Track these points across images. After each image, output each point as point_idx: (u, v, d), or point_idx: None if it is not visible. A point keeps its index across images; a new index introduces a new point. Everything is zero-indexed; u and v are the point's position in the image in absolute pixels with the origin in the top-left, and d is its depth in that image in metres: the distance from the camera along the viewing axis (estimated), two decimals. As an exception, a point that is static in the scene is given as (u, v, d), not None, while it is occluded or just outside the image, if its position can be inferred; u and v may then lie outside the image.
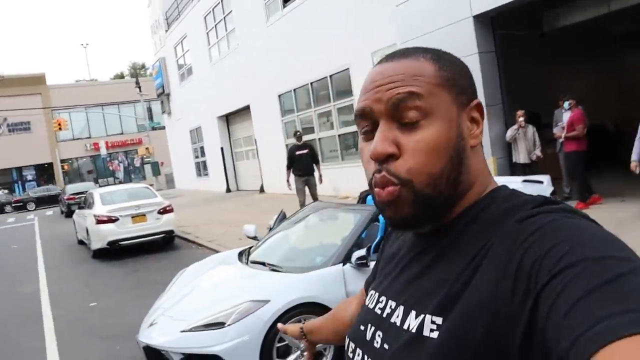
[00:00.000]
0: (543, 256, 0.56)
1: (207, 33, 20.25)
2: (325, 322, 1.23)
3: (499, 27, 9.32)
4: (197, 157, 24.21)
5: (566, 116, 8.27)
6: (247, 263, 4.36)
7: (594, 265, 0.52)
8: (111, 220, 9.18)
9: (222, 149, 20.49)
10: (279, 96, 15.84)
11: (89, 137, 39.73)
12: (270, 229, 5.35)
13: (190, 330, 3.45)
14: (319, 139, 14.42)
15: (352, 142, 13.54)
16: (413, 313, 0.70)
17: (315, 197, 9.45)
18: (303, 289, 3.50)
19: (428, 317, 0.67)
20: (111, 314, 5.96)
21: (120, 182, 27.50)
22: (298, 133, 9.91)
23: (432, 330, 0.65)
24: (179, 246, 10.16)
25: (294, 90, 15.02)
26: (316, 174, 10.27)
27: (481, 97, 8.97)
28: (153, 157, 27.06)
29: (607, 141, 11.34)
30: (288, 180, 9.72)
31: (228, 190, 20.26)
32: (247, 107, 17.81)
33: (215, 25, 19.52)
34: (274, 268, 4.02)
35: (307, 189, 9.99)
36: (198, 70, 21.73)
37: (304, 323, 1.26)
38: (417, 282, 0.73)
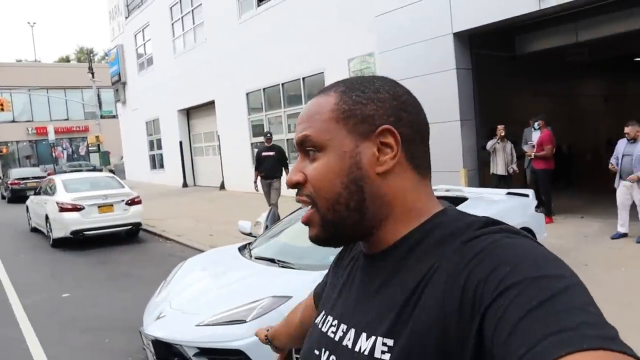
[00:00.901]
0: (485, 279, 0.59)
1: (173, 24, 19.81)
2: (281, 326, 1.30)
3: (476, 46, 9.71)
4: (152, 149, 23.56)
5: (535, 135, 8.75)
6: (251, 259, 4.35)
7: (532, 285, 0.55)
8: (76, 208, 8.82)
9: (180, 143, 20.07)
10: (247, 94, 15.73)
11: (31, 121, 37.75)
12: (267, 227, 5.35)
13: (207, 324, 3.41)
14: (287, 139, 14.43)
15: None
16: (364, 335, 0.72)
17: (272, 204, 9.16)
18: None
19: (379, 339, 0.69)
20: (87, 306, 5.75)
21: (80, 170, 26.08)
22: (268, 135, 9.63)
23: (383, 352, 0.68)
24: (145, 239, 9.90)
25: (264, 89, 14.97)
26: (284, 177, 10.05)
27: (456, 111, 9.34)
28: (102, 147, 26.07)
29: (562, 162, 12.03)
30: (255, 182, 9.45)
31: (185, 185, 19.86)
32: (212, 103, 17.55)
33: (182, 17, 19.13)
34: (285, 265, 4.03)
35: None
36: (160, 61, 21.18)
37: (267, 330, 1.34)
38: (367, 305, 0.76)
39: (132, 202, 9.33)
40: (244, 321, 3.33)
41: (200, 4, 17.53)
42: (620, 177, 6.82)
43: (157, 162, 23.28)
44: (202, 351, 3.33)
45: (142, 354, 4.15)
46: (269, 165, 9.20)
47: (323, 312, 0.88)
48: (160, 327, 3.59)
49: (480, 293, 0.58)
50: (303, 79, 13.39)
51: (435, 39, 9.61)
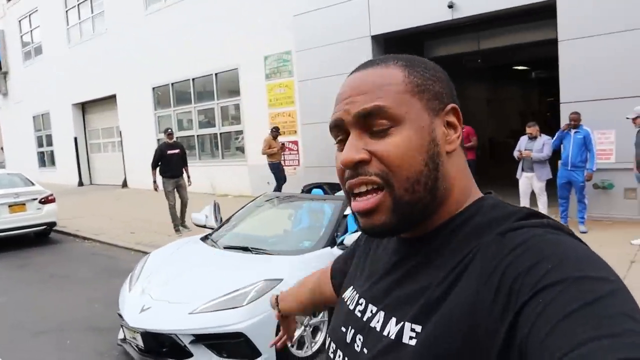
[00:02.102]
0: (525, 273, 0.57)
1: (67, 12, 18.47)
2: (293, 290, 1.31)
3: (389, 49, 10.40)
4: (41, 146, 21.72)
5: None
6: (221, 249, 4.45)
7: (574, 285, 0.53)
8: (-17, 209, 8.08)
9: (75, 139, 18.79)
10: (154, 89, 15.22)
11: None
12: (221, 220, 5.43)
13: (201, 311, 3.50)
14: (198, 135, 14.23)
15: (233, 140, 13.67)
16: (393, 320, 0.70)
17: (185, 200, 8.91)
18: (311, 267, 3.78)
19: (407, 324, 0.68)
20: (29, 309, 5.39)
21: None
22: (169, 130, 9.08)
23: (411, 338, 0.66)
24: (58, 240, 9.30)
25: (172, 84, 14.59)
26: (185, 176, 9.38)
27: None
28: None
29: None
30: (155, 181, 8.87)
31: (80, 183, 18.65)
32: (112, 97, 16.69)
33: (78, 5, 17.94)
34: (261, 252, 4.20)
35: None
36: (50, 51, 19.61)
37: (277, 295, 1.35)
38: (398, 288, 0.74)
39: (46, 201, 8.73)
40: (240, 305, 3.47)
41: (100, -8, 16.61)
42: (522, 169, 7.79)
43: (47, 160, 21.53)
44: (198, 338, 3.42)
45: (116, 350, 4.10)
46: (174, 163, 8.72)
47: (351, 289, 0.87)
48: (149, 319, 3.59)
49: (518, 287, 0.56)
50: (216, 74, 13.29)
51: (354, 40, 10.15)
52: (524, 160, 7.73)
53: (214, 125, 13.69)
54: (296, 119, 11.54)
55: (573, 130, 6.99)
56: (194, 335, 3.43)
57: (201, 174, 13.82)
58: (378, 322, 0.73)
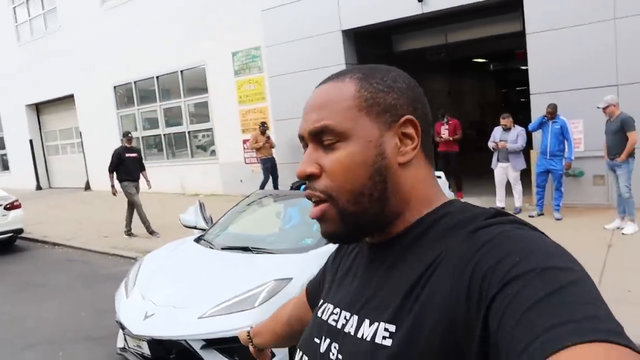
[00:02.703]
0: (494, 267, 0.58)
1: (14, 8, 17.64)
2: (267, 323, 1.27)
3: (358, 43, 10.44)
4: (-8, 149, 20.72)
5: (443, 128, 9.54)
6: (219, 249, 4.36)
7: (540, 276, 0.55)
8: (-56, 217, 7.63)
9: (31, 141, 18.00)
10: (115, 87, 14.75)
11: None
12: (211, 220, 5.32)
13: (211, 315, 3.42)
14: (165, 134, 13.90)
15: (202, 139, 13.43)
16: (367, 321, 0.71)
17: (140, 204, 8.75)
18: (317, 265, 3.74)
19: (382, 324, 0.68)
20: (11, 322, 5.13)
21: None
22: (130, 135, 8.90)
23: (384, 338, 0.67)
24: (25, 247, 8.91)
25: (135, 82, 14.18)
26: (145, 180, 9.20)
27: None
28: None
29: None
30: (114, 186, 8.66)
31: (39, 187, 17.91)
32: (70, 97, 16.07)
33: (27, 1, 17.14)
34: (262, 251, 4.13)
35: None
36: (-1, 50, 18.72)
37: (249, 331, 1.30)
38: (370, 292, 0.75)
39: (11, 207, 8.33)
40: (252, 307, 3.41)
41: (52, -13, 15.92)
42: (498, 160, 7.99)
43: None
44: (209, 342, 3.34)
45: (115, 359, 3.96)
46: (133, 166, 8.64)
47: (322, 302, 0.87)
48: (155, 326, 3.48)
49: (488, 281, 0.58)
50: (181, 72, 13.00)
51: (324, 35, 10.13)
52: (499, 151, 7.93)
53: (181, 124, 13.39)
54: (268, 115, 11.43)
55: (551, 121, 7.21)
56: (204, 340, 3.35)
57: (170, 174, 13.56)
58: (352, 326, 0.74)
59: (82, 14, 14.93)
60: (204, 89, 12.60)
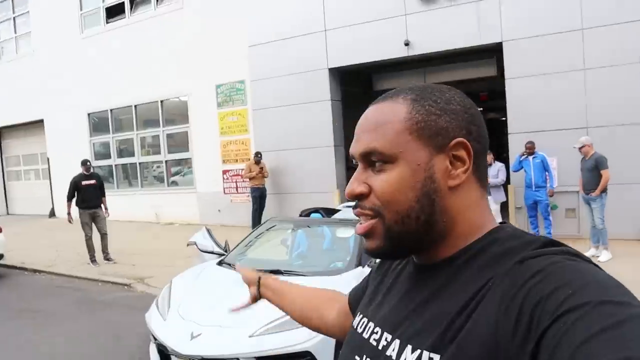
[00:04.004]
0: (545, 299, 0.57)
1: (-18, 30, 17.26)
2: (286, 288, 1.30)
3: (344, 81, 10.95)
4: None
5: None
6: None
7: (595, 310, 0.53)
8: None
9: (-10, 166, 17.37)
10: (90, 114, 14.59)
11: None
12: (226, 246, 5.46)
13: (262, 334, 3.56)
14: (140, 163, 13.80)
15: (178, 168, 13.43)
16: (409, 347, 0.70)
17: (103, 232, 8.83)
18: (352, 286, 3.97)
19: (425, 353, 0.67)
20: (21, 350, 5.02)
21: None
22: (88, 163, 9.11)
23: None
24: (4, 273, 8.58)
25: (111, 110, 14.09)
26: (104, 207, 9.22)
27: (330, 138, 10.35)
28: None
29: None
30: (69, 213, 8.82)
31: (-4, 214, 17.20)
32: (39, 122, 15.71)
33: (-2, 23, 16.85)
34: (295, 274, 4.32)
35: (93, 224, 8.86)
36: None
37: (261, 276, 1.34)
38: (414, 315, 0.74)
39: (-7, 231, 8.11)
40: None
41: (28, 11, 15.71)
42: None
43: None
44: (260, 360, 3.49)
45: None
46: (90, 194, 8.76)
47: (362, 316, 0.87)
48: (205, 345, 3.57)
49: (539, 314, 0.56)
50: (161, 102, 13.08)
51: (311, 72, 10.57)
52: (481, 185, 8.48)
53: (159, 153, 13.37)
54: (250, 147, 11.65)
55: (531, 157, 7.84)
56: (256, 357, 3.49)
57: (144, 203, 13.43)
58: (393, 350, 0.73)
59: (59, 41, 14.80)
60: (185, 119, 12.70)
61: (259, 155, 10.65)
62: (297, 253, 5.03)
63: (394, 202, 0.73)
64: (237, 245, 5.27)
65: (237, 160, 11.87)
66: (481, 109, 9.20)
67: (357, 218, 0.80)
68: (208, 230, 6.00)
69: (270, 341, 3.52)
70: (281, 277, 4.06)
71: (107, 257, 8.78)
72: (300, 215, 6.21)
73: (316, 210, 6.10)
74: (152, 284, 7.31)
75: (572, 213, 8.48)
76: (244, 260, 4.85)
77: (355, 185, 0.76)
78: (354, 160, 0.80)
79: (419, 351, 0.68)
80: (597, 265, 0.63)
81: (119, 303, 6.57)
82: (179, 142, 13.09)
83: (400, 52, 9.61)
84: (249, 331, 3.60)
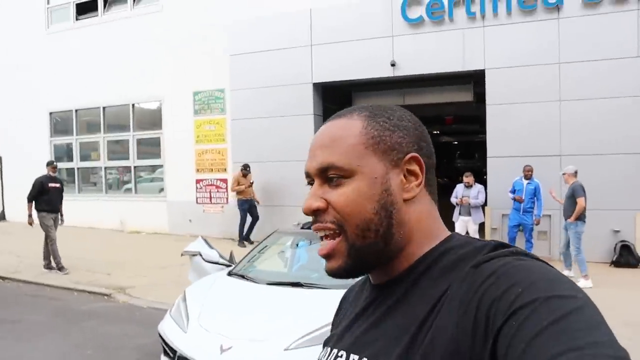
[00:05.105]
0: (498, 299, 0.60)
1: None
2: None
3: (325, 95, 11.10)
4: None
5: None
6: (264, 284, 4.50)
7: (544, 305, 0.56)
8: None
9: None
10: (51, 114, 13.94)
11: None
12: (231, 258, 5.42)
13: (297, 347, 3.55)
14: (106, 167, 13.32)
15: (147, 174, 13.08)
16: None
17: (55, 238, 8.38)
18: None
19: None
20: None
21: None
22: (54, 164, 8.73)
23: None
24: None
25: (76, 110, 13.54)
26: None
27: (311, 152, 10.40)
28: None
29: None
30: (31, 215, 8.38)
31: None
32: (-9, 119, 14.84)
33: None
34: (315, 286, 4.33)
35: None
36: None
37: None
38: (376, 333, 0.75)
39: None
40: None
41: (-14, 4, 14.89)
42: (460, 214, 8.86)
43: None
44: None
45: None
46: (55, 197, 8.43)
47: (325, 347, 0.85)
48: (237, 359, 3.55)
49: (493, 313, 0.59)
50: (133, 105, 12.72)
51: (295, 85, 10.65)
52: (462, 206, 8.81)
53: (127, 158, 12.96)
54: (227, 156, 11.53)
55: (525, 181, 8.23)
56: (291, 371, 3.50)
57: (108, 209, 12.97)
58: None
59: (20, 36, 14.09)
60: (158, 125, 12.41)
61: (247, 169, 10.50)
62: (312, 265, 5.04)
63: (354, 215, 0.74)
64: (245, 257, 5.23)
65: (212, 170, 11.70)
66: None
67: None
68: (206, 241, 5.93)
69: (305, 355, 3.50)
70: (306, 289, 4.09)
71: (49, 266, 8.40)
72: (302, 227, 6.23)
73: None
74: (134, 294, 7.09)
75: (544, 235, 8.96)
76: (255, 272, 4.84)
77: (312, 200, 0.77)
78: (307, 180, 0.80)
79: None
80: (545, 262, 0.66)
81: (103, 313, 6.35)
82: (151, 148, 12.76)
83: (386, 72, 9.88)
84: (284, 344, 3.58)
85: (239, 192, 10.43)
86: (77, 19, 13.45)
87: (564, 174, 7.54)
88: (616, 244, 8.36)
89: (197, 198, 11.93)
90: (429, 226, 0.78)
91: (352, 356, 0.75)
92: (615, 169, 8.33)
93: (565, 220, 7.47)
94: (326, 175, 0.76)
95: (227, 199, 11.58)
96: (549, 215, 8.73)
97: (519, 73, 8.90)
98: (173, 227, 12.16)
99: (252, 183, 10.53)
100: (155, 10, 12.24)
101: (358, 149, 0.75)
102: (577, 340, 0.52)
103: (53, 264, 8.34)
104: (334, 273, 0.77)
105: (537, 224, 8.31)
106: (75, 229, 11.99)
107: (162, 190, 12.53)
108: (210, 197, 11.77)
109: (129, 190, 13.04)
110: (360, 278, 0.87)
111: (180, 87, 11.85)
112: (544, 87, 8.77)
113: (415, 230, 0.76)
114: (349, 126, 0.77)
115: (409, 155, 0.76)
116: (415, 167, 0.77)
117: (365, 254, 0.75)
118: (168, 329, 4.14)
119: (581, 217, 7.26)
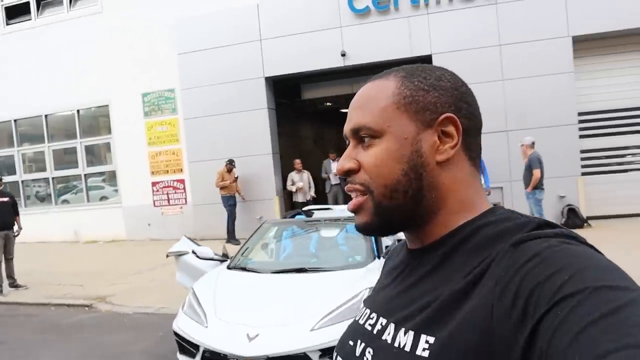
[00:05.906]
0: (542, 284, 0.56)
1: None
2: None
3: (276, 90, 11.23)
4: None
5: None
6: (268, 273, 4.66)
7: (594, 295, 0.52)
8: None
9: None
10: (-12, 125, 13.24)
11: None
12: (224, 255, 5.51)
13: (322, 327, 3.74)
14: (53, 178, 12.83)
15: (100, 182, 12.72)
16: (403, 330, 0.70)
17: (10, 255, 8.05)
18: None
19: (419, 335, 0.67)
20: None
21: None
22: (1, 178, 8.35)
23: (424, 349, 0.65)
24: None
25: (16, 120, 12.92)
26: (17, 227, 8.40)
27: (268, 146, 10.57)
28: None
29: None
30: None
31: None
32: None
33: None
34: (320, 270, 4.53)
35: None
36: None
37: None
38: (407, 298, 0.73)
39: None
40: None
41: None
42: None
43: None
44: (324, 351, 3.69)
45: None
46: (4, 212, 7.95)
47: (364, 308, 0.86)
48: (268, 344, 3.65)
49: (535, 299, 0.55)
50: (78, 111, 12.31)
51: (247, 80, 10.71)
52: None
53: (76, 166, 12.53)
54: (182, 157, 11.43)
55: None
56: (320, 350, 3.69)
57: (60, 221, 12.53)
58: (389, 334, 0.72)
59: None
60: (106, 130, 12.09)
61: (232, 163, 10.30)
62: (309, 251, 5.23)
63: (382, 176, 0.74)
64: (239, 250, 5.34)
65: (167, 172, 11.57)
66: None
67: (351, 215, 0.82)
68: (190, 239, 5.97)
69: (332, 332, 3.67)
70: (308, 274, 4.29)
71: (15, 284, 8.01)
72: (284, 217, 6.41)
73: (298, 213, 6.34)
74: (116, 302, 6.98)
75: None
76: (255, 264, 4.98)
77: (345, 161, 0.78)
78: (347, 140, 0.81)
79: (412, 333, 0.68)
80: (594, 248, 0.63)
81: (91, 324, 6.23)
82: (100, 155, 12.41)
83: (336, 62, 10.14)
84: (309, 325, 3.75)
85: (222, 188, 10.23)
86: (7, 24, 12.79)
87: (522, 145, 8.07)
88: (563, 208, 9.08)
89: (154, 201, 11.76)
90: (466, 195, 0.75)
91: (381, 319, 0.76)
92: (557, 140, 9.01)
93: (525, 189, 8.04)
94: (359, 136, 0.76)
95: (185, 199, 11.50)
96: (501, 188, 9.34)
97: (464, 56, 9.40)
98: (131, 233, 11.93)
99: (237, 178, 10.44)
100: (95, 11, 11.89)
101: (389, 109, 0.74)
102: (632, 337, 0.47)
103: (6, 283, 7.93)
104: (361, 228, 0.79)
105: (488, 194, 8.88)
106: (24, 245, 11.49)
107: (114, 195, 12.24)
108: (169, 199, 11.64)
109: (100, 198, 12.65)
110: (403, 240, 0.86)
111: (127, 90, 11.60)
112: (487, 67, 9.33)
113: (449, 196, 0.74)
114: (383, 87, 0.76)
115: (443, 116, 0.74)
116: (450, 129, 0.74)
117: (393, 213, 0.75)
118: (185, 326, 4.13)
119: (539, 186, 7.82)
